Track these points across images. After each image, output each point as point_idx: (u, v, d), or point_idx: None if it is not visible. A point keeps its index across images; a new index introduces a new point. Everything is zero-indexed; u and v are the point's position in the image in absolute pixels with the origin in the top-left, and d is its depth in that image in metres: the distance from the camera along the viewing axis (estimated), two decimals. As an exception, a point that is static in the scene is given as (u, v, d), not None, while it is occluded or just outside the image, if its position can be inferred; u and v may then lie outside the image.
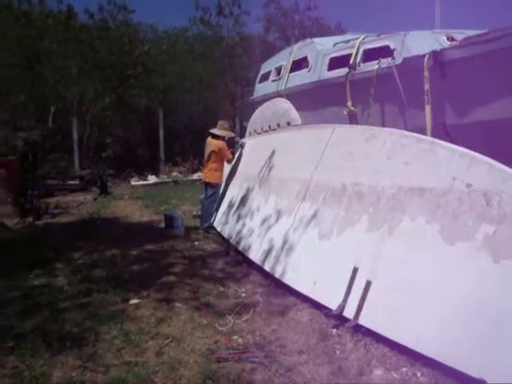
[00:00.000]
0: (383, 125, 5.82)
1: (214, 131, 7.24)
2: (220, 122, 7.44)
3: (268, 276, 4.81)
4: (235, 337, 3.60)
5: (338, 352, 3.31)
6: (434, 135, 4.63)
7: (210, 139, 7.26)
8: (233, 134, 7.92)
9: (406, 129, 4.81)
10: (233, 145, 7.63)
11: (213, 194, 7.21)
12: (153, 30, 18.94)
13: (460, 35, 5.48)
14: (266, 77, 10.15)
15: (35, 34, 14.86)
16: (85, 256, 5.82)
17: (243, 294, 4.52)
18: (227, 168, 7.43)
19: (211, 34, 19.57)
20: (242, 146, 7.50)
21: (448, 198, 3.27)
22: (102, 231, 7.40)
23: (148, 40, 17.74)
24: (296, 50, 8.68)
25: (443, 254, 3.17)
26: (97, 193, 11.79)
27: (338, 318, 3.68)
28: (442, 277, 3.13)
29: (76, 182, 12.94)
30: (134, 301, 4.29)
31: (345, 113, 6.56)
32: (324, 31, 19.01)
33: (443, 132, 4.97)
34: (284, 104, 8.31)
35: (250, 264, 5.26)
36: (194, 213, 8.39)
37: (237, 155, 7.49)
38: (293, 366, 3.11)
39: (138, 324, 3.81)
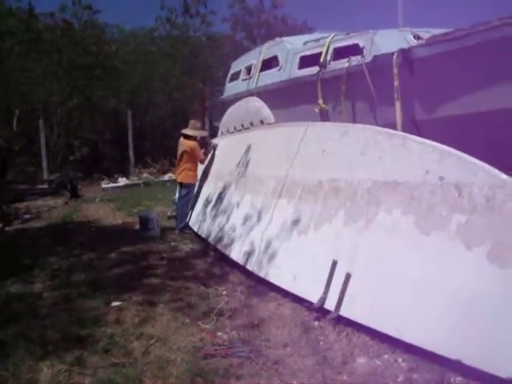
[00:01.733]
0: (354, 121, 5.95)
1: (186, 131, 7.23)
2: (192, 122, 7.42)
3: (248, 274, 4.86)
4: (219, 333, 3.65)
5: (321, 343, 3.41)
6: (404, 130, 4.78)
7: (182, 139, 7.24)
8: (205, 133, 7.94)
9: (377, 125, 4.95)
10: (205, 144, 7.63)
11: (187, 194, 7.20)
12: (119, 31, 18.68)
13: (426, 34, 5.66)
14: (236, 76, 10.19)
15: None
16: (61, 261, 5.73)
17: (224, 292, 4.56)
18: (201, 167, 7.44)
19: (178, 34, 19.44)
20: (215, 148, 7.52)
21: (422, 191, 3.41)
22: (76, 235, 7.28)
23: (115, 40, 17.46)
24: (266, 50, 8.76)
25: (419, 244, 3.31)
26: (67, 196, 11.57)
27: (320, 311, 3.78)
28: (418, 266, 3.27)
29: (45, 186, 12.66)
30: (115, 303, 4.28)
31: (316, 110, 6.68)
32: (290, 30, 19.16)
33: (413, 127, 5.14)
34: (256, 102, 8.37)
35: (230, 262, 5.31)
36: (169, 214, 8.36)
37: (209, 156, 7.51)
38: (279, 359, 3.18)
39: (121, 326, 3.81)
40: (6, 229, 7.97)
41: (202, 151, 7.32)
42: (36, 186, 12.61)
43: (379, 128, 4.20)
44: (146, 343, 3.49)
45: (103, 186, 13.78)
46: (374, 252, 3.61)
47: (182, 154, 7.14)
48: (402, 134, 4.05)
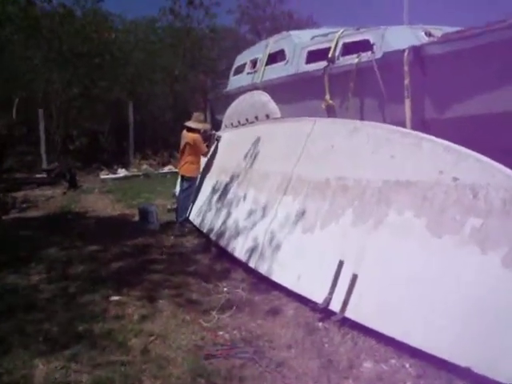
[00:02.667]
0: (362, 118, 5.84)
1: (190, 124, 7.11)
2: (195, 114, 7.29)
3: (250, 271, 4.76)
4: (221, 332, 3.55)
5: (326, 346, 3.31)
6: (413, 130, 4.68)
7: (185, 132, 7.11)
8: (208, 126, 7.80)
9: (385, 123, 4.85)
10: (208, 137, 7.50)
11: (188, 188, 7.07)
12: (121, 20, 18.49)
13: (438, 31, 5.55)
14: (240, 69, 10.06)
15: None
16: (59, 252, 5.62)
17: (225, 289, 4.45)
18: (203, 161, 7.32)
19: (181, 25, 19.24)
20: (218, 140, 7.39)
21: (435, 192, 3.31)
22: (75, 226, 7.17)
23: (116, 29, 17.23)
24: (272, 43, 8.63)
25: (430, 246, 3.21)
26: (66, 186, 11.43)
27: (324, 312, 3.68)
28: (428, 269, 3.17)
29: (44, 175, 12.52)
30: (114, 298, 4.17)
31: (323, 106, 6.56)
32: (296, 24, 19.02)
33: (422, 126, 5.02)
34: (262, 96, 8.24)
35: (231, 259, 5.19)
36: (169, 207, 8.24)
37: (213, 148, 7.38)
38: (283, 361, 3.08)
39: (120, 322, 3.71)
40: (3, 218, 7.84)
41: (205, 144, 7.20)
42: (34, 175, 12.46)
43: (391, 126, 4.10)
44: (145, 340, 3.39)
45: (102, 176, 13.62)
46: (382, 253, 3.50)
47: (184, 147, 7.02)
48: (416, 133, 3.93)
